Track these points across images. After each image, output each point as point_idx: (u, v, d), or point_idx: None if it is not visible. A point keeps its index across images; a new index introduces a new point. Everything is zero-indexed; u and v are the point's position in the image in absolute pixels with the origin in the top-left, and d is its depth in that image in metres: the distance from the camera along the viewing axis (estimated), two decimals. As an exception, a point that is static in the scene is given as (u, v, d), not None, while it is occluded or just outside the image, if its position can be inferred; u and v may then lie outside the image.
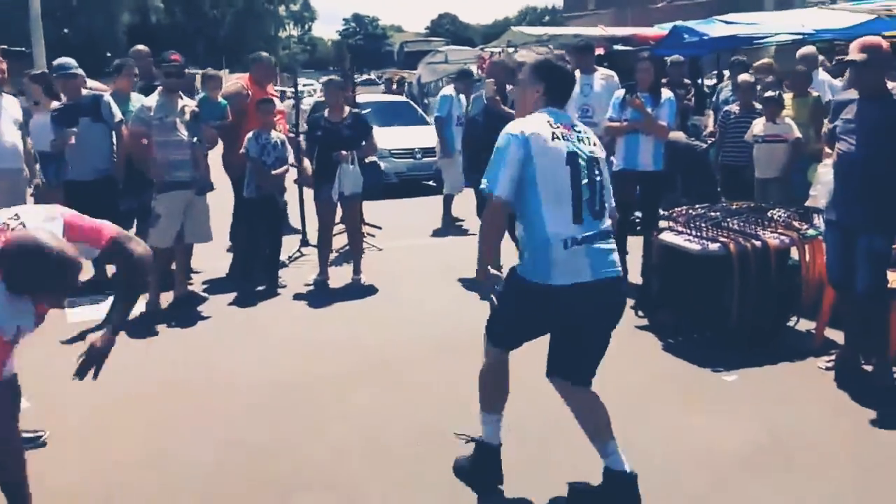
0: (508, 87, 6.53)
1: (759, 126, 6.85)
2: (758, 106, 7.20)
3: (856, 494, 3.35)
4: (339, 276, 6.69)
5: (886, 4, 8.59)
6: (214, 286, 6.60)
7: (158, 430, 4.03)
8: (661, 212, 6.22)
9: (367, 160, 6.31)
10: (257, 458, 3.70)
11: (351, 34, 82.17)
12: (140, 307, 5.88)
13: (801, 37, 10.12)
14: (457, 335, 5.05)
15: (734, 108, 7.49)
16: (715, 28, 10.02)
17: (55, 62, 6.49)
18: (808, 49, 8.70)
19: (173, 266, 6.21)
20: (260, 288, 6.42)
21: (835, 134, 4.50)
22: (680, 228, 5.18)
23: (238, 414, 4.20)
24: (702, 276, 4.99)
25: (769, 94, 7.07)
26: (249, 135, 6.27)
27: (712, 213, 5.23)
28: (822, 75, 8.36)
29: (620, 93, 6.40)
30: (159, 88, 6.11)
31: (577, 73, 7.73)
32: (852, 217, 4.33)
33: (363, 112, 7.02)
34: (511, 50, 12.20)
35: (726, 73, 10.39)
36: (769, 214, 5.20)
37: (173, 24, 49.93)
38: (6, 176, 5.63)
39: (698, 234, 4.99)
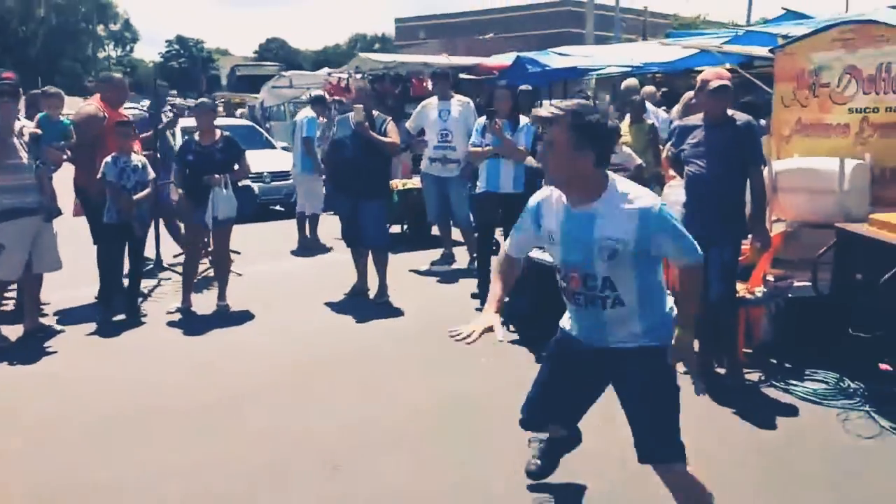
0: (375, 112, 6.68)
1: None
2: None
3: (739, 477, 3.71)
4: (202, 304, 6.53)
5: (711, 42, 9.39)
6: (69, 316, 6.27)
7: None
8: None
9: (240, 184, 6.23)
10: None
11: (174, 57, 79.37)
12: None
13: (629, 69, 10.95)
14: (333, 355, 5.11)
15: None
16: (553, 59, 10.68)
17: None
18: (631, 81, 9.45)
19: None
20: (119, 317, 6.15)
21: (679, 157, 4.94)
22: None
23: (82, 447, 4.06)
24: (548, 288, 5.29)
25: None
26: (107, 158, 6.01)
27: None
28: (649, 106, 9.09)
29: (482, 120, 6.69)
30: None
31: (435, 99, 8.05)
32: (705, 231, 4.76)
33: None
34: (359, 76, 12.36)
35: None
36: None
37: (-23, 42, 46.68)
38: None
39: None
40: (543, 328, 5.39)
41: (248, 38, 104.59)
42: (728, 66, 9.48)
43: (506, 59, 12.31)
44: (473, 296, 6.79)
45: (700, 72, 10.50)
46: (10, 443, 4.11)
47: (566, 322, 3.21)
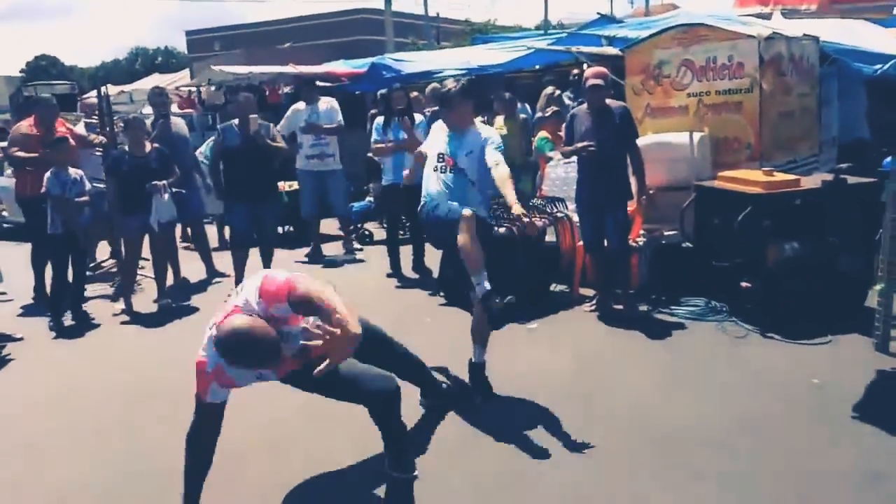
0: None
1: None
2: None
3: (647, 378, 4.92)
4: (140, 304, 6.95)
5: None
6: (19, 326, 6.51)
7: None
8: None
9: (174, 190, 6.71)
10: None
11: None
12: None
13: (465, 71, 12.15)
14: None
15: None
16: (406, 65, 11.71)
17: None
18: (434, 85, 10.58)
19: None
20: (70, 323, 6.49)
21: (573, 138, 6.11)
22: (470, 220, 6.50)
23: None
24: (493, 254, 6.34)
25: (480, 119, 8.73)
26: (48, 174, 6.34)
27: (494, 206, 6.62)
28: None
29: (381, 119, 7.61)
30: None
31: (303, 104, 8.71)
32: (600, 197, 5.98)
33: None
34: (213, 88, 12.75)
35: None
36: (530, 204, 6.76)
37: None
38: None
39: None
40: (467, 289, 6.48)
41: (12, 56, 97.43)
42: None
43: (348, 66, 13.16)
44: (389, 275, 7.68)
45: (535, 71, 11.98)
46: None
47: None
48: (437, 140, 4.75)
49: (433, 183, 4.65)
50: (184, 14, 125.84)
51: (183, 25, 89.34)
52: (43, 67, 76.27)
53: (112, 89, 20.04)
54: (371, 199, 10.09)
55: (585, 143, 5.84)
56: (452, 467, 3.79)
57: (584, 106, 6.16)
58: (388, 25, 28.51)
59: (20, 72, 78.69)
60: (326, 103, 8.74)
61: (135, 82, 31.63)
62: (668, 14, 12.19)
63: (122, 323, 6.59)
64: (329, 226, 9.42)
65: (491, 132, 4.72)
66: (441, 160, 4.61)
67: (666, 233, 6.54)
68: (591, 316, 6.14)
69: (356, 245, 9.02)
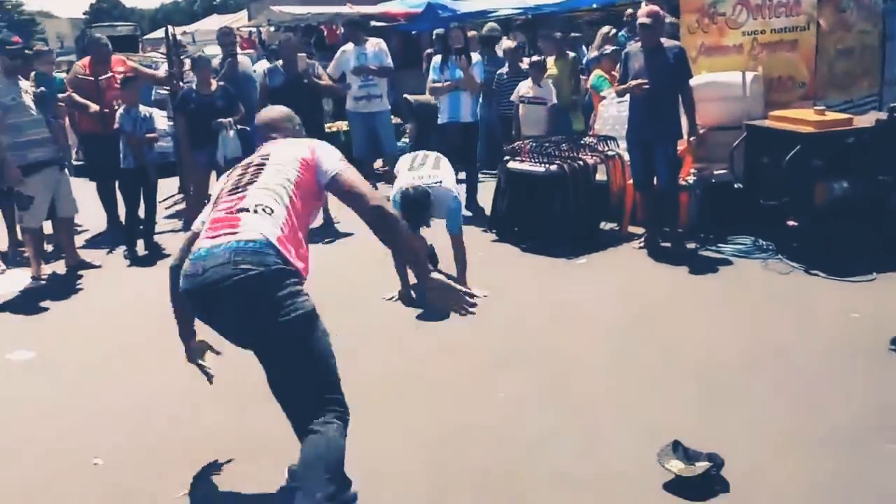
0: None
1: (524, 87, 8.42)
2: (524, 67, 8.91)
3: (694, 308, 5.09)
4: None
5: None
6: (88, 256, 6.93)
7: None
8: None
9: (238, 127, 6.99)
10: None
11: (-9, 23, 73.78)
12: (25, 282, 6.21)
13: (521, 11, 12.17)
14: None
15: (505, 69, 9.11)
16: (461, 5, 11.76)
17: None
18: (492, 24, 10.61)
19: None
20: (143, 253, 6.88)
21: (627, 77, 6.20)
22: (522, 158, 6.69)
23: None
24: (543, 192, 6.53)
25: (535, 58, 8.78)
26: (120, 111, 6.67)
27: (546, 144, 6.78)
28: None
29: (438, 59, 7.73)
30: None
31: (351, 45, 8.81)
32: (651, 135, 6.08)
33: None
34: (273, 28, 12.99)
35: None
36: (581, 142, 6.90)
37: None
38: None
39: (540, 160, 6.53)
40: (519, 226, 6.69)
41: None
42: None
43: (404, 6, 13.23)
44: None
45: (592, 9, 11.92)
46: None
47: None
48: None
49: None
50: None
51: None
52: (105, 9, 77.26)
53: (189, 28, 20.55)
54: (406, 140, 10.22)
55: (639, 81, 5.93)
56: (497, 383, 4.03)
57: (639, 45, 6.22)
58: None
59: (83, 14, 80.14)
60: (374, 45, 8.82)
61: (194, 23, 32.03)
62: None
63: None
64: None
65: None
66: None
67: (716, 172, 6.62)
68: (639, 253, 6.29)
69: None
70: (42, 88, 6.44)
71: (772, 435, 3.40)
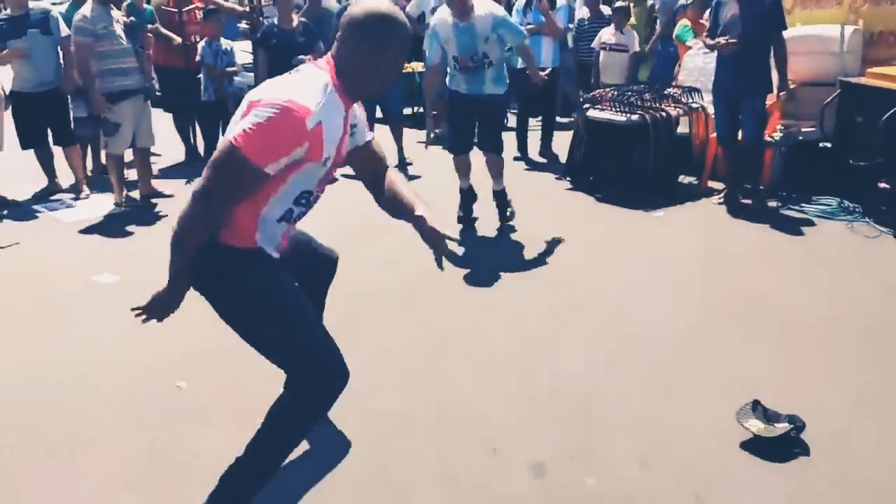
0: None
1: (606, 34, 8.21)
2: (606, 13, 8.67)
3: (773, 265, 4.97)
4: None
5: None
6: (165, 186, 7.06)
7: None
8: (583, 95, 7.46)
9: (320, 61, 7.00)
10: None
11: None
12: (108, 207, 6.37)
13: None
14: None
15: (586, 14, 8.89)
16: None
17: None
18: None
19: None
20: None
21: (717, 26, 5.97)
22: (602, 107, 6.55)
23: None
24: (622, 142, 6.40)
25: (619, 3, 8.53)
26: (202, 43, 6.73)
27: (628, 93, 6.63)
28: None
29: (521, 2, 7.58)
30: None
31: None
32: (739, 87, 5.87)
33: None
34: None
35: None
36: (665, 93, 6.72)
37: None
38: None
39: (621, 109, 6.39)
40: (595, 175, 6.59)
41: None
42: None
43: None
44: (516, 158, 7.82)
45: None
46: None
47: (454, 83, 5.45)
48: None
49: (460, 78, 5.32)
50: None
51: None
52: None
53: None
54: None
55: (726, 40, 5.70)
56: (569, 331, 4.01)
57: (730, -6, 5.99)
58: None
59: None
60: None
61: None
62: None
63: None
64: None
65: (499, 9, 5.25)
66: (457, 62, 5.21)
67: (803, 129, 6.40)
68: (718, 208, 6.15)
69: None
70: (132, 18, 6.52)
71: (855, 398, 3.32)
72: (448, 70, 5.46)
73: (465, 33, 5.01)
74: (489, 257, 5.09)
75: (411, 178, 7.09)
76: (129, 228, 5.91)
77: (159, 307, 2.43)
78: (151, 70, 6.78)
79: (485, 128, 5.56)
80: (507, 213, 5.72)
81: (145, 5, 7.29)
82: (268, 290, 2.43)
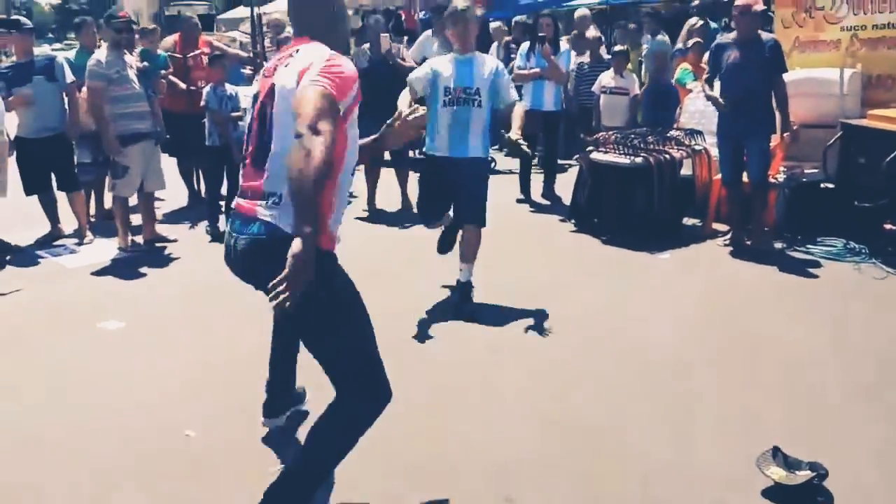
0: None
1: (606, 78, 8.26)
2: (606, 57, 8.77)
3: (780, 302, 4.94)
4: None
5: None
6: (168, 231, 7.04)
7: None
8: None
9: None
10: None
11: (71, -2, 75.69)
12: (112, 252, 6.36)
13: (600, 1, 11.98)
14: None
15: (586, 59, 8.99)
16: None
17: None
18: (583, 11, 10.40)
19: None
20: (224, 229, 6.96)
21: (717, 69, 6.01)
22: (606, 149, 6.58)
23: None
24: (626, 184, 6.42)
25: (618, 48, 8.63)
26: (207, 88, 6.76)
27: (632, 136, 6.66)
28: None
29: (525, 46, 7.67)
30: (106, 44, 6.37)
31: (430, 31, 8.74)
32: (743, 129, 5.88)
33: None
34: (351, 12, 13.03)
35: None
36: (667, 135, 6.76)
37: None
38: None
39: (625, 152, 6.42)
40: (600, 217, 6.59)
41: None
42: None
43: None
44: (519, 200, 7.85)
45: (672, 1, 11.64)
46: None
47: (432, 147, 4.88)
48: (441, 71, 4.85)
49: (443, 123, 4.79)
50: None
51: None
52: (180, -13, 78.84)
53: (244, 11, 20.95)
54: None
55: (722, 102, 5.87)
56: (580, 377, 3.97)
57: (732, 36, 6.07)
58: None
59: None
60: None
61: (271, 2, 32.34)
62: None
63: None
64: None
65: (497, 61, 5.04)
66: (448, 94, 4.78)
67: (806, 171, 6.42)
68: (723, 250, 6.14)
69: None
70: (146, 64, 6.59)
71: (873, 443, 3.28)
72: (425, 131, 4.56)
73: (464, 64, 4.82)
74: (495, 301, 5.06)
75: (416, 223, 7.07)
76: (134, 274, 5.88)
77: (297, 275, 2.13)
78: (160, 114, 6.83)
79: (465, 195, 4.83)
80: (467, 312, 4.83)
81: (159, 52, 7.38)
82: (351, 300, 2.56)
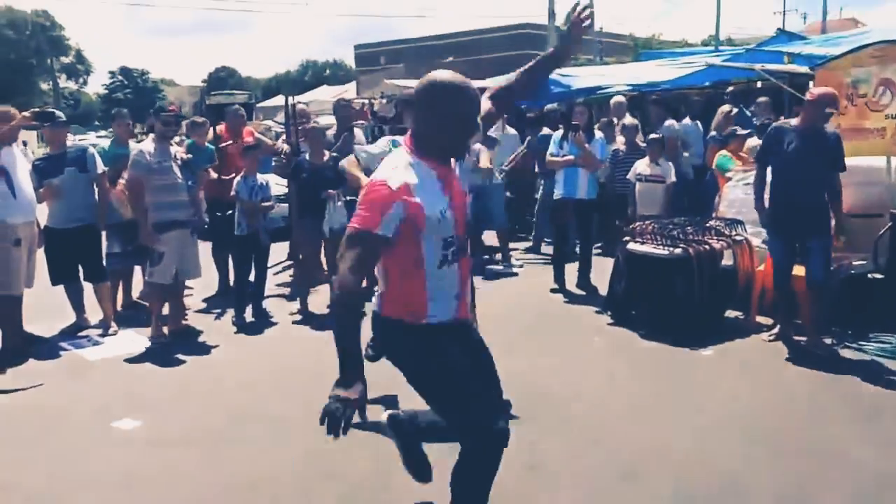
0: None
1: (642, 165, 8.08)
2: (641, 145, 8.63)
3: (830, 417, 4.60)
4: (315, 305, 7.20)
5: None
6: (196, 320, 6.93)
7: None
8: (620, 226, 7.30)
9: (347, 198, 6.92)
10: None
11: (118, 88, 78.69)
12: (136, 343, 6.22)
13: (632, 87, 11.92)
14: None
15: (622, 146, 8.86)
16: (575, 80, 11.64)
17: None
18: (619, 98, 10.34)
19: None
20: (250, 320, 6.83)
21: (770, 152, 5.75)
22: (643, 239, 6.37)
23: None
24: (665, 275, 6.18)
25: (653, 136, 8.48)
26: (238, 178, 6.73)
27: (670, 226, 6.45)
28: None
29: (559, 133, 7.56)
30: (152, 135, 6.40)
31: None
32: (802, 225, 5.54)
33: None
34: (385, 101, 13.19)
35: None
36: (706, 225, 6.53)
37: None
38: (28, 228, 5.93)
39: (663, 242, 6.20)
40: (638, 309, 6.34)
41: (195, 67, 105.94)
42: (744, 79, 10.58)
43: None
44: (553, 290, 7.62)
45: (704, 88, 11.57)
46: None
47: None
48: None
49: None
50: (352, 29, 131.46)
51: (351, 40, 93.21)
52: (222, 78, 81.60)
53: (282, 100, 21.57)
54: None
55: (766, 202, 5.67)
56: (621, 499, 3.67)
57: (793, 122, 5.76)
58: (551, 40, 28.55)
59: (202, 81, 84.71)
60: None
61: (305, 93, 33.29)
62: (856, 31, 11.48)
63: (297, 322, 6.86)
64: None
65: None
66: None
67: (855, 262, 6.13)
68: (769, 346, 5.83)
69: (514, 259, 9.01)
70: (190, 156, 6.63)
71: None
72: None
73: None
74: (528, 398, 4.77)
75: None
76: (156, 369, 5.73)
77: (339, 413, 2.45)
78: (203, 206, 6.89)
79: None
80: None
81: (207, 144, 7.44)
82: (434, 362, 2.81)
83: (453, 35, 44.87)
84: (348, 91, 25.19)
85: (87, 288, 6.76)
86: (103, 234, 6.81)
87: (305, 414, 4.57)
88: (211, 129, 7.76)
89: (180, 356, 5.95)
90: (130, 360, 5.92)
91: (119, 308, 7.15)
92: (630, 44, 35.07)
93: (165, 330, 6.38)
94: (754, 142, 7.77)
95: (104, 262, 6.79)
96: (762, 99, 9.20)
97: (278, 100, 20.90)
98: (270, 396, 5.03)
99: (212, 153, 7.43)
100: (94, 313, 6.80)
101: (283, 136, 8.75)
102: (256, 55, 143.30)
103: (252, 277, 6.91)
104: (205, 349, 6.18)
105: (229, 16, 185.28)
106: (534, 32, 38.34)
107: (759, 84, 10.65)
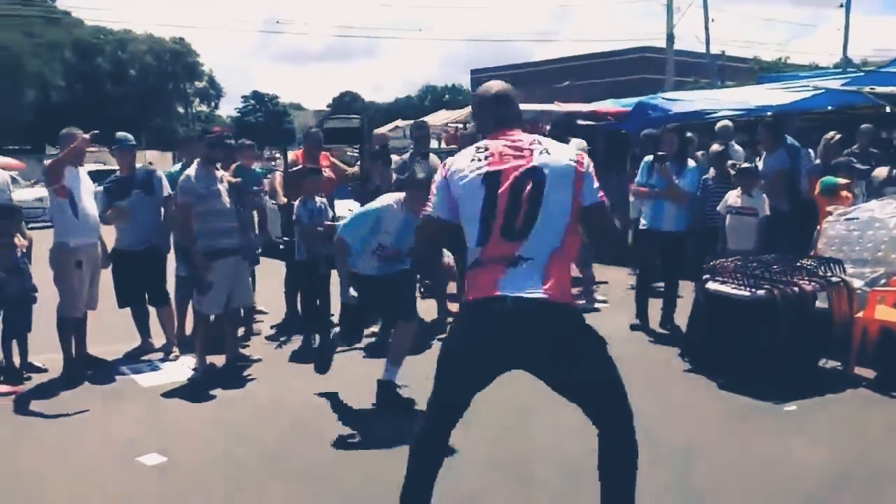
0: None
1: (732, 197, 7.35)
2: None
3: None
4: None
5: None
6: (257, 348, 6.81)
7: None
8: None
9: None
10: None
11: (250, 112, 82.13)
12: (189, 372, 6.10)
13: (743, 112, 11.19)
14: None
15: (711, 175, 8.17)
16: (674, 104, 11.06)
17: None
18: (725, 123, 9.65)
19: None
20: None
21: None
22: (723, 278, 5.80)
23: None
24: (747, 319, 5.58)
25: (745, 165, 7.76)
26: (297, 202, 6.61)
27: (753, 264, 5.86)
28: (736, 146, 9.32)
29: (649, 158, 7.04)
30: (198, 159, 6.27)
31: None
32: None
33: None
34: (473, 126, 12.93)
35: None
36: (797, 264, 5.89)
37: (74, 101, 49.21)
38: (90, 250, 5.96)
39: (745, 282, 5.61)
40: (717, 356, 5.76)
41: (322, 92, 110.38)
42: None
43: (616, 104, 12.73)
44: (633, 327, 7.08)
45: (826, 112, 10.71)
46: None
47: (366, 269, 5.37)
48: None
49: None
50: (471, 54, 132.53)
51: (470, 64, 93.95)
52: (346, 102, 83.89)
53: (401, 123, 21.79)
54: None
55: None
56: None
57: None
58: (669, 64, 27.71)
59: (327, 106, 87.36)
60: (577, 145, 8.33)
61: (423, 117, 33.59)
62: None
63: (367, 356, 6.50)
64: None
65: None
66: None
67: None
68: (870, 403, 5.16)
69: (598, 296, 8.45)
70: (238, 179, 6.52)
71: None
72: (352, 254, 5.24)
73: (410, 226, 4.36)
74: (581, 462, 4.32)
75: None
76: (200, 401, 5.56)
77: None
78: (254, 230, 6.78)
79: (397, 297, 5.26)
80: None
81: (255, 167, 7.38)
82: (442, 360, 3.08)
83: (571, 59, 44.30)
84: (465, 115, 25.08)
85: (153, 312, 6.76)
86: (170, 256, 6.80)
87: (337, 460, 4.37)
88: (281, 154, 7.68)
89: (229, 387, 5.80)
90: (178, 390, 5.80)
91: (187, 333, 7.10)
92: (755, 67, 33.56)
93: (213, 360, 6.24)
94: (883, 172, 7.07)
95: (169, 286, 6.77)
96: (865, 126, 8.37)
97: (396, 124, 21.10)
98: (305, 440, 4.76)
99: (260, 176, 7.33)
100: (159, 338, 6.79)
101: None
102: (380, 80, 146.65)
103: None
104: (255, 380, 6.00)
105: (357, 42, 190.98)
106: (653, 56, 37.36)
107: (887, 109, 9.75)
